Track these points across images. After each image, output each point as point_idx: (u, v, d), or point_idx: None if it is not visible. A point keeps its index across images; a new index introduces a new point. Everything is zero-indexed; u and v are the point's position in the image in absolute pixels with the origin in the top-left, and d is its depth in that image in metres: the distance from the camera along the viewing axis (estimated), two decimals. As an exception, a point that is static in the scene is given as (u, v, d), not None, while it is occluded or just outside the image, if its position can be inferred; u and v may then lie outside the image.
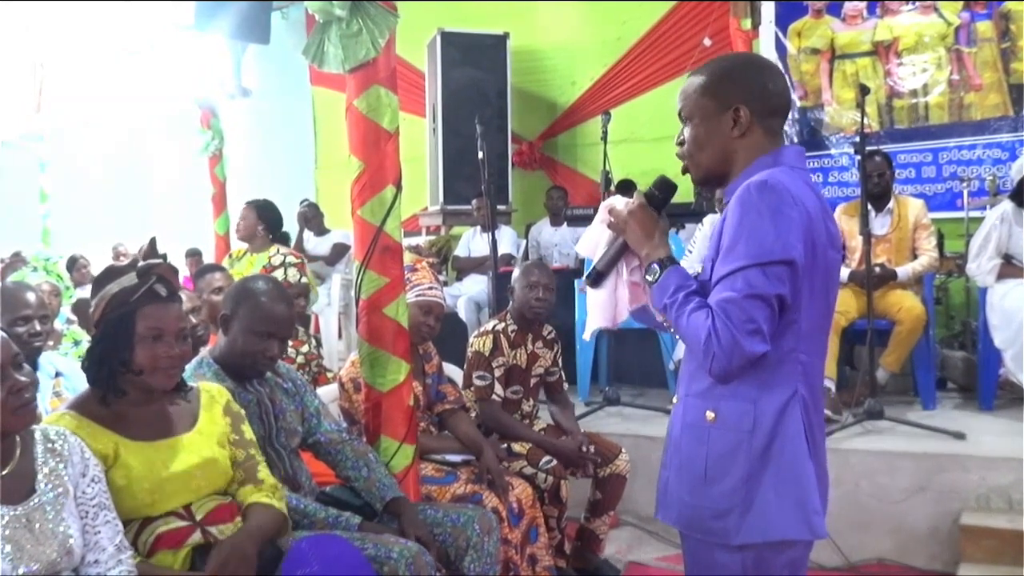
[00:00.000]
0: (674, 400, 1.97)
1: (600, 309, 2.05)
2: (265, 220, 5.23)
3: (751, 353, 1.66)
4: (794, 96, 7.09)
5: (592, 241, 2.08)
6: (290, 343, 4.26)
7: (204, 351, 2.78)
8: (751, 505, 1.75)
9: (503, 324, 3.88)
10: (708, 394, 1.81)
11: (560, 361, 4.07)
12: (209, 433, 2.29)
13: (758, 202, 1.70)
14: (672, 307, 1.78)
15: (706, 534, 1.83)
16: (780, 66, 7.05)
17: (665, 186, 1.96)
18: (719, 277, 1.72)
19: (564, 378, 4.11)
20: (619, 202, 1.98)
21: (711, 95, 1.85)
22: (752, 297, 1.66)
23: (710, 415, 1.81)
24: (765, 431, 1.75)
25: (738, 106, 1.81)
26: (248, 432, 2.43)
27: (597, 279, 2.02)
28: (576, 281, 5.55)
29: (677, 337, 1.85)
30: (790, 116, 7.03)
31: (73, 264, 8.18)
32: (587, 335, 2.19)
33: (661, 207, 1.95)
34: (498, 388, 3.76)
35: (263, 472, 2.38)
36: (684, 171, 1.95)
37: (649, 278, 1.85)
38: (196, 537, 2.15)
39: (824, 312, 1.83)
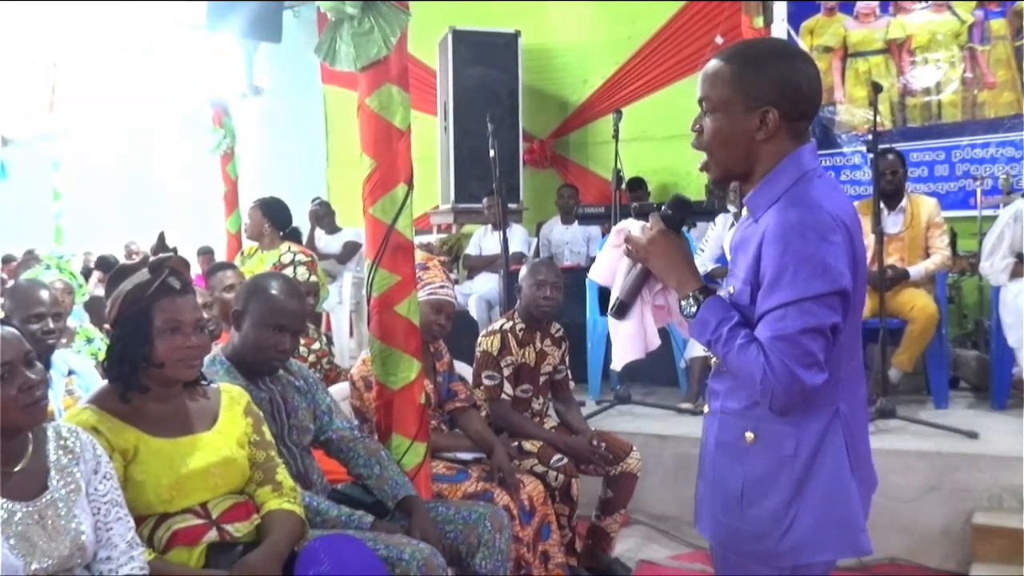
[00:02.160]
0: (705, 409, 1.90)
1: (630, 341, 1.97)
2: (271, 218, 5.27)
3: (812, 386, 1.61)
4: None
5: (607, 268, 2.00)
6: (301, 341, 4.27)
7: (216, 349, 2.79)
8: (792, 527, 1.70)
9: (511, 323, 3.88)
10: (747, 414, 1.75)
11: (567, 360, 4.06)
12: (228, 433, 2.30)
13: (802, 230, 1.61)
14: (717, 343, 1.71)
15: (743, 555, 1.78)
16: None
17: (680, 205, 1.88)
18: (767, 308, 1.64)
19: (570, 377, 4.10)
20: (634, 227, 1.90)
21: (738, 90, 1.71)
22: (807, 331, 1.60)
23: (749, 436, 1.74)
24: (807, 454, 1.70)
25: (767, 109, 1.69)
26: (268, 434, 2.45)
27: (622, 310, 1.94)
28: (587, 280, 5.54)
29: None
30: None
31: (104, 264, 8.19)
32: (617, 366, 2.10)
33: (679, 227, 1.88)
34: (507, 387, 3.76)
35: (281, 474, 2.39)
36: (702, 168, 1.84)
37: (686, 311, 1.78)
38: (212, 535, 2.16)
39: (859, 315, 1.78)
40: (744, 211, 1.83)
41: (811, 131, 1.79)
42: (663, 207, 1.89)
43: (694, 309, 1.76)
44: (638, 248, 1.86)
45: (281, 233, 5.34)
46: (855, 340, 1.78)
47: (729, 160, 1.78)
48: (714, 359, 1.85)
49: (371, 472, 2.85)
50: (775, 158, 1.73)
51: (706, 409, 1.90)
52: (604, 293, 2.07)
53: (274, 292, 2.70)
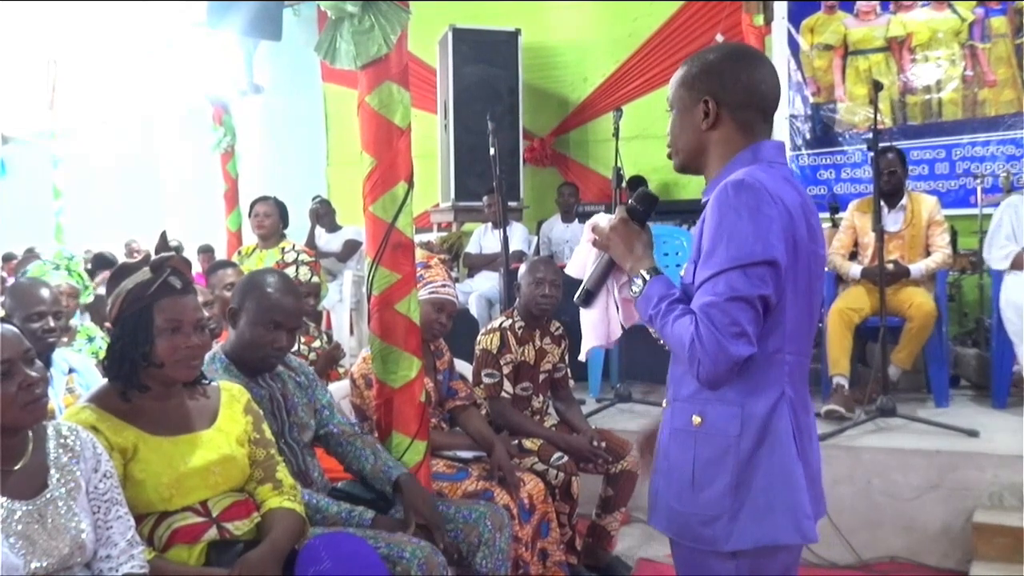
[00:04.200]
0: (663, 404, 1.94)
1: (594, 329, 2.04)
2: (284, 217, 5.37)
3: (737, 356, 1.64)
4: (807, 92, 7.08)
5: (581, 261, 2.07)
6: (302, 339, 4.28)
7: (215, 347, 2.79)
8: (740, 511, 1.73)
9: (510, 321, 3.88)
10: (695, 398, 1.79)
11: (567, 358, 4.07)
12: (228, 431, 2.30)
13: (735, 202, 1.68)
14: (656, 317, 1.77)
15: (696, 541, 1.80)
16: (794, 61, 7.03)
17: (646, 199, 1.97)
18: (700, 281, 1.70)
19: (570, 375, 4.10)
20: (602, 219, 1.99)
21: (687, 86, 1.86)
22: (734, 300, 1.64)
23: (696, 419, 1.78)
24: (753, 435, 1.73)
25: (707, 98, 1.81)
26: (268, 432, 2.44)
27: (587, 299, 2.02)
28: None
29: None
30: (803, 113, 7.07)
31: (103, 262, 8.19)
32: (583, 356, 2.17)
33: (644, 220, 1.95)
34: (507, 385, 3.76)
35: (282, 472, 2.39)
36: (669, 156, 1.96)
37: (634, 290, 1.85)
38: (212, 533, 2.17)
39: (809, 310, 1.81)
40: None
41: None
42: (630, 200, 1.98)
43: (640, 286, 1.84)
44: (601, 236, 1.95)
45: (283, 232, 5.42)
46: (803, 330, 1.81)
47: (683, 151, 1.91)
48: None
49: (366, 464, 2.85)
50: (726, 147, 1.83)
51: (664, 404, 1.94)
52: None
53: (270, 290, 2.70)
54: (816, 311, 1.87)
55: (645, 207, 1.96)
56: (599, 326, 2.03)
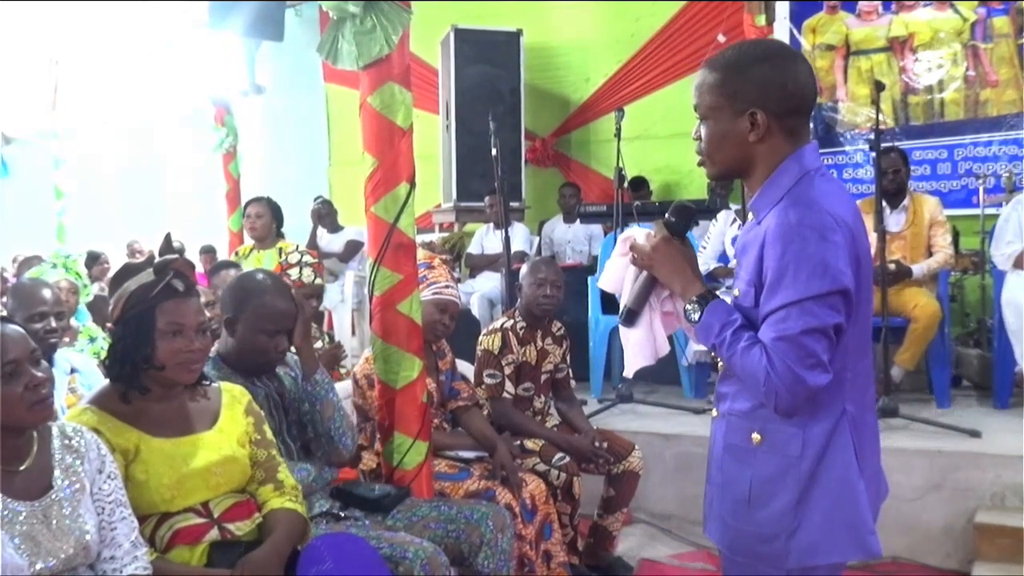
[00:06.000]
0: (714, 414, 1.91)
1: (640, 348, 1.98)
2: (277, 218, 5.34)
3: (816, 387, 1.61)
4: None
5: (615, 276, 2.02)
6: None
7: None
8: (798, 529, 1.71)
9: (511, 321, 3.88)
10: (753, 415, 1.76)
11: (568, 358, 4.07)
12: (230, 432, 2.30)
13: (801, 230, 1.62)
14: (721, 347, 1.72)
15: (749, 557, 1.78)
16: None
17: (683, 212, 1.91)
18: (769, 310, 1.65)
19: (571, 375, 4.10)
20: (639, 235, 1.94)
21: (726, 96, 1.75)
22: (809, 332, 1.60)
23: (756, 437, 1.75)
24: (813, 455, 1.70)
25: (754, 111, 1.72)
26: (269, 433, 2.44)
27: (630, 318, 1.96)
28: (589, 278, 5.55)
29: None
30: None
31: (95, 260, 8.20)
32: (628, 373, 2.12)
33: (683, 234, 1.90)
34: (508, 386, 3.76)
35: (283, 473, 2.39)
36: (700, 164, 1.88)
37: (691, 316, 1.79)
38: (213, 533, 2.17)
39: (866, 322, 1.78)
40: (749, 215, 1.84)
41: (814, 131, 1.81)
42: (666, 215, 1.92)
43: (697, 315, 1.78)
44: (643, 256, 1.89)
45: (279, 233, 5.42)
46: (863, 341, 1.78)
47: (727, 162, 1.81)
48: (720, 362, 1.85)
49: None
50: (773, 156, 1.75)
51: (714, 413, 1.91)
52: (606, 292, 2.09)
53: (266, 297, 2.66)
54: (871, 319, 1.83)
55: (682, 220, 1.91)
56: (645, 345, 1.98)
